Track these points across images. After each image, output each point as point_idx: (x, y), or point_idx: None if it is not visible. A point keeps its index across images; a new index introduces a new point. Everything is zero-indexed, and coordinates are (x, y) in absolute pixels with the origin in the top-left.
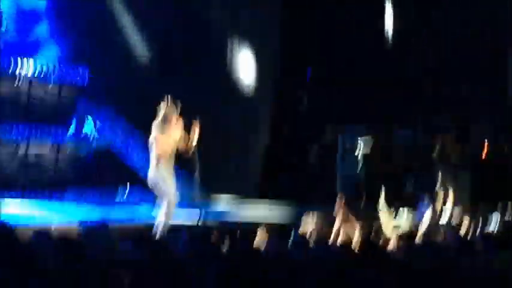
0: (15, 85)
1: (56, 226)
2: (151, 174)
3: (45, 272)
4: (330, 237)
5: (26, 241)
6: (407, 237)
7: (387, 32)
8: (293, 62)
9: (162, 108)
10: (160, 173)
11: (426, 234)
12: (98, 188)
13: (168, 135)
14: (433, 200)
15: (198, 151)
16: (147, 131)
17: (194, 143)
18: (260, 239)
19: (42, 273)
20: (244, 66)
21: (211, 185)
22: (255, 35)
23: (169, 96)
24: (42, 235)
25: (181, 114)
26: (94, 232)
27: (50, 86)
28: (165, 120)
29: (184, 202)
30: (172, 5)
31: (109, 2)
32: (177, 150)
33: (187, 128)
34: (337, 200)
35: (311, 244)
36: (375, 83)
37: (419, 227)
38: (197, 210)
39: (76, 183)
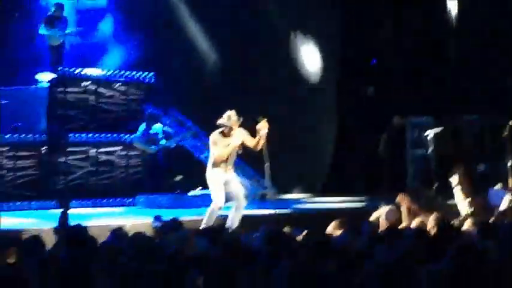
0: (82, 88)
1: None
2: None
3: (125, 268)
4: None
5: (103, 239)
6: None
7: (451, 20)
8: (356, 53)
9: (221, 120)
10: (215, 178)
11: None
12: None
13: (226, 143)
14: (506, 185)
15: (267, 150)
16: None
17: (262, 141)
18: (333, 230)
19: (123, 269)
20: (308, 60)
21: (282, 182)
22: (317, 28)
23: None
24: (119, 233)
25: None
26: (169, 227)
27: (117, 87)
28: (223, 132)
29: (256, 200)
30: (238, 5)
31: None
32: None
33: (254, 128)
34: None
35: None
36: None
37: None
38: (269, 208)
39: (146, 186)
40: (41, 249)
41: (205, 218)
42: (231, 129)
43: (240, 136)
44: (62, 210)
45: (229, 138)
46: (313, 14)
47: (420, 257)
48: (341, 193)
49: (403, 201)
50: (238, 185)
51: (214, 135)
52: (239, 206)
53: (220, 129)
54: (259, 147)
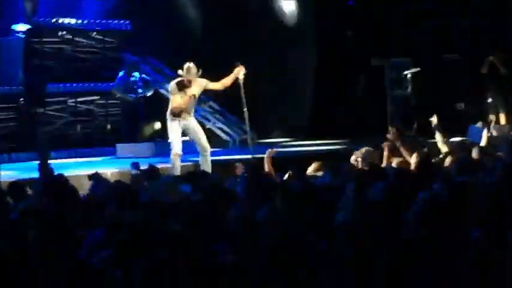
0: (58, 37)
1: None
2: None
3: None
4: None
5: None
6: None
7: None
8: None
9: (181, 71)
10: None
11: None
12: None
13: (183, 93)
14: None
15: (245, 96)
16: None
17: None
18: (313, 171)
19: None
20: (286, 7)
21: (263, 127)
22: None
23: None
24: (100, 178)
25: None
26: (147, 175)
27: (93, 35)
28: (181, 82)
29: (237, 146)
30: None
31: None
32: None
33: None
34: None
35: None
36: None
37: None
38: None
39: (126, 134)
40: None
41: (170, 167)
42: (189, 81)
43: (199, 86)
44: (41, 161)
45: (188, 88)
46: None
47: (402, 195)
48: (323, 136)
49: (393, 137)
50: (198, 132)
51: (172, 85)
52: (202, 152)
53: (178, 79)
54: (229, 84)
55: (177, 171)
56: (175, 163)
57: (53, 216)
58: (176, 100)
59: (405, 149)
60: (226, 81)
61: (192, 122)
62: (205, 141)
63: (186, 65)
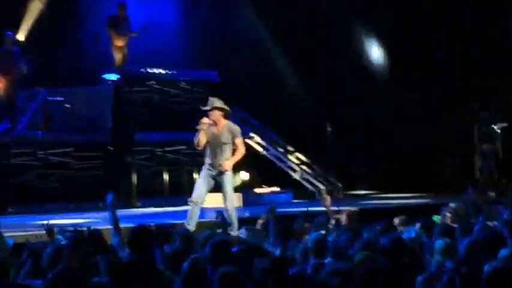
0: (147, 87)
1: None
2: None
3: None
4: None
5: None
6: None
7: None
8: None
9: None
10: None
11: None
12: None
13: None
14: None
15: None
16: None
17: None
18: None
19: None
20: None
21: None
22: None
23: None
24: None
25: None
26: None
27: (182, 85)
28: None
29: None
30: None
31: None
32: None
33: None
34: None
35: None
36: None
37: None
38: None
39: None
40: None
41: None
42: (217, 118)
43: (228, 131)
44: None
45: (215, 128)
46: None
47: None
48: (409, 189)
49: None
50: (225, 187)
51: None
52: (227, 208)
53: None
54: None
55: (191, 220)
56: (191, 213)
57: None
58: (200, 137)
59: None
60: (239, 155)
61: (225, 174)
62: (227, 201)
63: (212, 98)
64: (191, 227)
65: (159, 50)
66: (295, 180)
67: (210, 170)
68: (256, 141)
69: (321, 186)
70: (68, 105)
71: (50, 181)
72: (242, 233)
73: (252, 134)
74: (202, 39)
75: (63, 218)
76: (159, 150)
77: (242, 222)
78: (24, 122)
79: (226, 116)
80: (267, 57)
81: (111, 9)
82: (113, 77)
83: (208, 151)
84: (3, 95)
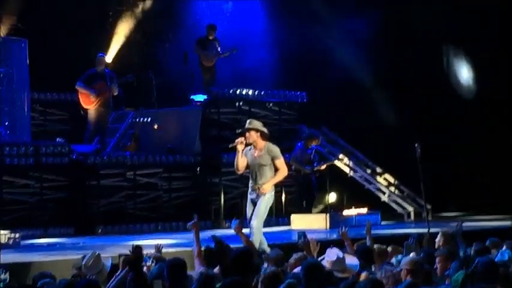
0: (235, 108)
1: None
2: None
3: None
4: None
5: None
6: None
7: None
8: None
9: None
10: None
11: None
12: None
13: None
14: None
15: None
16: None
17: None
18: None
19: None
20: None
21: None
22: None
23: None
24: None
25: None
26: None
27: (270, 106)
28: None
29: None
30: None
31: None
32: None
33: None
34: None
35: None
36: None
37: None
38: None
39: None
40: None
41: None
42: (255, 140)
43: (266, 152)
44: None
45: (254, 150)
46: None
47: None
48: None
49: None
50: (258, 206)
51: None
52: (252, 226)
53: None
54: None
55: (262, 245)
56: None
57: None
58: (238, 160)
59: None
60: (280, 177)
61: (260, 198)
62: (254, 219)
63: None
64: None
65: (247, 71)
66: (383, 201)
67: (251, 193)
68: (344, 163)
69: (410, 208)
70: (156, 127)
71: (139, 202)
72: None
73: (340, 155)
74: (290, 60)
75: (152, 239)
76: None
77: (329, 244)
78: (112, 143)
79: (264, 137)
80: (355, 78)
81: (200, 31)
82: (201, 98)
83: (250, 175)
84: (94, 116)
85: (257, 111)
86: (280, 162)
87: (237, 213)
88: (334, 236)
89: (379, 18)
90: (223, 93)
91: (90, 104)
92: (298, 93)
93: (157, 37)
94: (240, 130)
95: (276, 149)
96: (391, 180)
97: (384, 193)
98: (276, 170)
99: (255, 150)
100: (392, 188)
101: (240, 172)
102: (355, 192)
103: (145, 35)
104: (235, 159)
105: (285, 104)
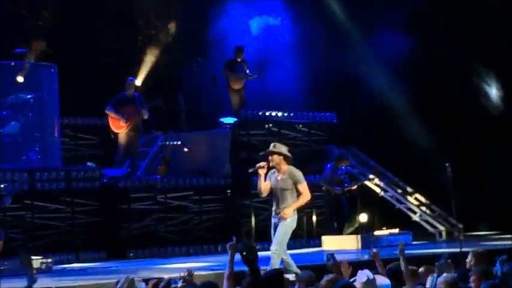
0: (264, 130)
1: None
2: None
3: None
4: None
5: None
6: None
7: None
8: None
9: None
10: None
11: None
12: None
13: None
14: None
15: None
16: None
17: None
18: None
19: None
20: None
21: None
22: None
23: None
24: None
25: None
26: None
27: (299, 128)
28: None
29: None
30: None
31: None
32: None
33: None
34: None
35: None
36: None
37: None
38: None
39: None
40: None
41: None
42: (278, 163)
43: (288, 176)
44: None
45: (277, 174)
46: None
47: None
48: None
49: None
50: (278, 230)
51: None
52: (271, 250)
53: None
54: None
55: (290, 267)
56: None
57: None
58: (260, 184)
59: None
60: (302, 201)
61: (281, 222)
62: (273, 244)
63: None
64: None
65: (275, 93)
66: (415, 221)
67: (273, 217)
68: (374, 183)
69: (441, 227)
70: (186, 150)
71: (170, 225)
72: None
73: (370, 176)
74: (319, 80)
75: (183, 262)
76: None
77: (361, 264)
78: (143, 166)
79: (288, 161)
80: (384, 98)
81: (228, 53)
82: (231, 120)
83: (273, 198)
84: (124, 140)
85: (287, 133)
86: (303, 186)
87: (267, 234)
88: (366, 257)
89: (409, 40)
90: (253, 115)
91: (120, 128)
92: (328, 114)
93: (185, 60)
94: (263, 153)
95: (298, 174)
96: (422, 199)
97: (415, 213)
98: (299, 194)
99: (278, 174)
100: (423, 208)
101: (263, 195)
102: (386, 212)
103: (174, 58)
104: (258, 182)
105: (314, 125)
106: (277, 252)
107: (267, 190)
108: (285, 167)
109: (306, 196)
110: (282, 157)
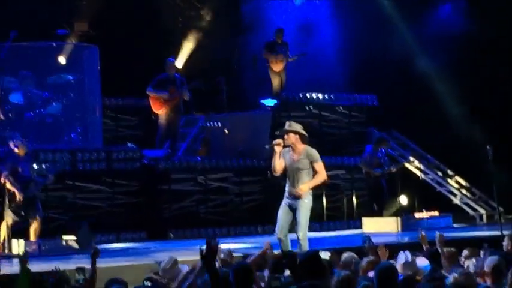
0: (305, 112)
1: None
2: None
3: None
4: None
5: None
6: None
7: None
8: None
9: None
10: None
11: None
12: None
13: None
14: None
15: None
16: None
17: None
18: None
19: None
20: None
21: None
22: None
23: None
24: None
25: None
26: None
27: (340, 110)
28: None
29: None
30: None
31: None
32: None
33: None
34: None
35: None
36: None
37: None
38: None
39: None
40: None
41: None
42: (293, 143)
43: (305, 155)
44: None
45: (292, 153)
46: None
47: None
48: None
49: None
50: (299, 215)
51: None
52: (298, 238)
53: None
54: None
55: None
56: (281, 246)
57: None
58: (275, 162)
59: None
60: (318, 180)
61: (299, 205)
62: (299, 230)
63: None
64: None
65: (316, 75)
66: (455, 204)
67: (287, 198)
68: (415, 166)
69: (482, 211)
70: (226, 131)
71: (210, 206)
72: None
73: (411, 158)
74: (360, 63)
75: (223, 243)
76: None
77: (402, 247)
78: (183, 147)
79: (304, 140)
80: (427, 81)
81: (268, 35)
82: (271, 102)
83: (287, 178)
84: (165, 121)
85: (327, 115)
86: (319, 165)
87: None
88: (406, 239)
89: (456, 22)
90: (293, 97)
91: (160, 108)
92: (368, 96)
93: (226, 41)
94: (278, 132)
95: (315, 153)
96: (463, 182)
97: (456, 196)
98: (315, 173)
99: (293, 154)
100: (464, 191)
101: (277, 174)
102: (427, 195)
103: (215, 40)
104: (273, 160)
105: (354, 107)
106: (305, 237)
107: (281, 169)
108: (300, 146)
109: (323, 175)
110: (297, 136)
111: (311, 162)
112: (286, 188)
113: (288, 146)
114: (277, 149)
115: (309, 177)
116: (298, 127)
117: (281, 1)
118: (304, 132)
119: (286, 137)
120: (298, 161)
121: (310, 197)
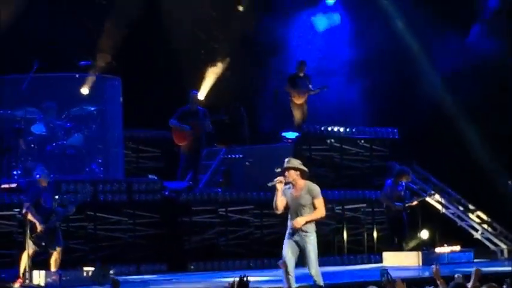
0: (327, 145)
1: None
2: None
3: None
4: None
5: None
6: None
7: None
8: None
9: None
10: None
11: None
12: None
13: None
14: None
15: None
16: None
17: None
18: None
19: None
20: None
21: None
22: None
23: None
24: None
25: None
26: None
27: (361, 143)
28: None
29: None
30: None
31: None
32: None
33: None
34: None
35: None
36: None
37: None
38: None
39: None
40: None
41: None
42: (294, 179)
43: (306, 192)
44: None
45: (293, 189)
46: None
47: None
48: None
49: None
50: (307, 252)
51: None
52: (311, 275)
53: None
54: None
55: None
56: (284, 277)
57: None
58: (277, 200)
59: None
60: (316, 215)
61: (306, 242)
62: (311, 268)
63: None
64: None
65: (337, 108)
66: (476, 238)
67: (291, 234)
68: (436, 199)
69: (503, 246)
70: (248, 163)
71: (231, 238)
72: None
73: (432, 192)
74: (381, 96)
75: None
76: (339, 208)
77: (421, 282)
78: (204, 179)
79: (304, 176)
80: (447, 115)
81: (291, 68)
82: (293, 135)
83: (289, 215)
84: (187, 153)
85: (348, 148)
86: (319, 201)
87: (328, 250)
88: (427, 274)
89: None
90: (315, 130)
91: (183, 141)
92: (390, 129)
93: (247, 75)
94: (278, 169)
95: (316, 188)
96: (484, 217)
97: (477, 230)
98: (315, 209)
99: (294, 190)
100: (485, 225)
101: (279, 212)
102: (448, 229)
103: (236, 73)
104: (274, 198)
105: (376, 140)
106: (318, 273)
107: (283, 206)
108: (301, 182)
109: (321, 212)
110: (298, 172)
111: (312, 198)
112: (289, 224)
113: (289, 182)
114: (279, 186)
115: (311, 213)
116: (297, 163)
117: (303, 30)
118: (304, 168)
119: (287, 173)
120: (300, 197)
121: (315, 233)
